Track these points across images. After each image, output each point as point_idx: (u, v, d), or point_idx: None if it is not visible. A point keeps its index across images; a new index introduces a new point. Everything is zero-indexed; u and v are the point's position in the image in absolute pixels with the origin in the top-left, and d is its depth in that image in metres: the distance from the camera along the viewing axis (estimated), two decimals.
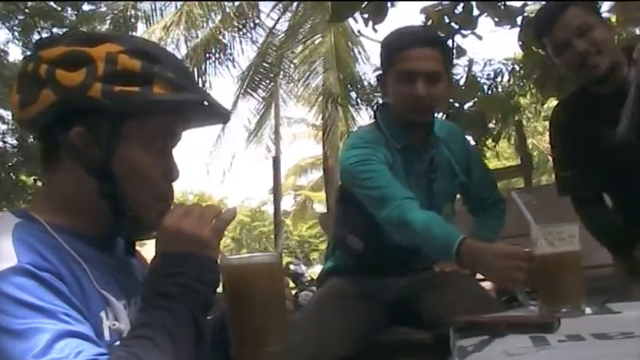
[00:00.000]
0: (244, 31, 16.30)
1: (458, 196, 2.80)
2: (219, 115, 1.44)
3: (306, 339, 2.26)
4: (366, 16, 4.94)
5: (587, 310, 1.75)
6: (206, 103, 1.36)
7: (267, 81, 16.86)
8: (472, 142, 5.84)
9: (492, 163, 10.74)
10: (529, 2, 5.47)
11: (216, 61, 16.23)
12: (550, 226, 1.73)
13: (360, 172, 2.40)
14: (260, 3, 16.40)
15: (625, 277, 2.53)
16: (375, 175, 2.37)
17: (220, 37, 16.17)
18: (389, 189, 2.33)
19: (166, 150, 1.39)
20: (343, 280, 2.59)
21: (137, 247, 1.48)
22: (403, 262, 2.54)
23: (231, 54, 16.27)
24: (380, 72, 2.62)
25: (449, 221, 2.40)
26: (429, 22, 5.37)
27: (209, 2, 15.67)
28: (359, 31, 6.11)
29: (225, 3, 15.79)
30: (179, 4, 16.07)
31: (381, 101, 2.91)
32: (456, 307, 2.15)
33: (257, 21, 16.45)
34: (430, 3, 5.58)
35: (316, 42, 15.36)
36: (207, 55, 16.10)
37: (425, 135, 2.53)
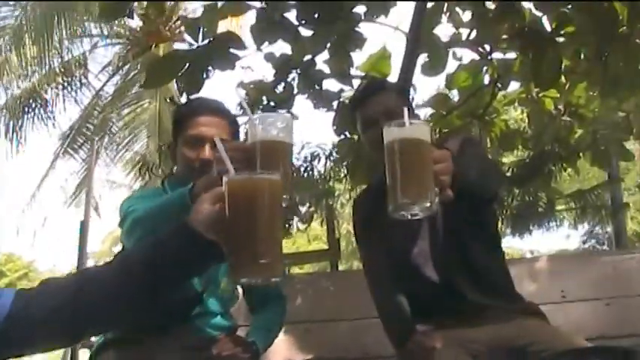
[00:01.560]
0: (69, 89, 15.67)
1: None
2: None
3: None
4: (182, 85, 4.86)
5: None
6: None
7: (90, 143, 16.23)
8: None
9: (304, 246, 10.79)
10: (346, 88, 5.60)
11: (35, 117, 15.43)
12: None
13: (126, 211, 2.33)
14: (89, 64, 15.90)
15: None
16: (139, 207, 2.29)
17: (42, 92, 15.43)
18: (142, 209, 2.24)
19: None
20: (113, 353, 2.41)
21: None
22: (170, 325, 2.38)
23: (52, 111, 15.55)
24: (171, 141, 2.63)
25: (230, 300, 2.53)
26: (247, 98, 5.38)
27: (31, 57, 14.92)
28: (171, 98, 6.01)
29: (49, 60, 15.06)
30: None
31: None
32: None
33: (84, 81, 15.90)
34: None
35: (141, 108, 15.06)
36: (26, 109, 15.28)
37: None
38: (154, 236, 1.79)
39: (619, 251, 7.04)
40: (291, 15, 4.84)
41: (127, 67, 15.28)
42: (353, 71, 5.50)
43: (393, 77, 5.55)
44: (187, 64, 4.44)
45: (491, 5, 4.77)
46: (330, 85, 5.69)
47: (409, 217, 1.65)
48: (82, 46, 15.31)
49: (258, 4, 4.64)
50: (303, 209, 6.63)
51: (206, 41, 4.48)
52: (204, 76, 4.63)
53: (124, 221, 2.33)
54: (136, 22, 14.93)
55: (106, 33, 15.14)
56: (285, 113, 1.79)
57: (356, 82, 5.48)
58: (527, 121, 6.87)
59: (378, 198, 2.53)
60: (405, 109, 1.74)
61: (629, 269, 4.20)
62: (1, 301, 1.46)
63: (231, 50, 4.51)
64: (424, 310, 2.50)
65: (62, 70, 15.34)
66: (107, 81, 16.08)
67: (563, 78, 5.62)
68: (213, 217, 1.47)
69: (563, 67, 5.07)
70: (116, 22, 14.89)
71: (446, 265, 2.50)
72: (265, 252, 1.40)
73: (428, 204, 1.60)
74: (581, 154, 6.67)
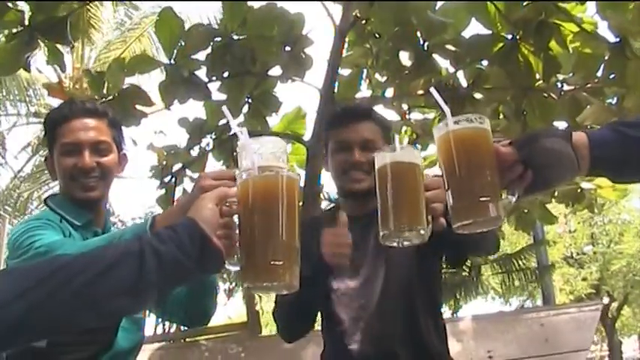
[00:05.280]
0: None
1: None
2: None
3: None
4: None
5: None
6: None
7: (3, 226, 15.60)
8: None
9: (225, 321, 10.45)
10: None
11: None
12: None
13: (25, 239, 2.00)
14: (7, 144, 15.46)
15: None
16: (42, 237, 2.00)
17: None
18: (57, 242, 1.97)
19: None
20: None
21: None
22: None
23: None
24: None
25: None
26: (156, 161, 5.16)
27: None
28: None
29: None
30: None
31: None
32: None
33: (1, 161, 15.41)
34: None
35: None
36: None
37: (100, 211, 2.26)
38: (134, 231, 1.57)
39: (546, 308, 6.92)
40: (201, 73, 4.68)
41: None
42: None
43: (306, 136, 5.45)
44: None
45: (407, 62, 4.69)
46: None
47: (401, 244, 1.53)
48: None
49: (165, 61, 4.45)
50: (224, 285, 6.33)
51: (110, 97, 4.26)
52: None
53: (24, 254, 1.99)
54: (57, 101, 14.63)
55: (24, 112, 14.78)
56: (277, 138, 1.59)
57: None
58: None
59: (322, 223, 2.31)
60: (397, 136, 1.61)
61: (557, 326, 4.05)
62: None
63: (137, 106, 4.29)
64: None
65: None
66: (27, 162, 15.62)
67: None
68: (219, 219, 1.31)
69: None
70: (36, 100, 14.62)
71: (389, 328, 2.24)
72: (284, 256, 1.31)
73: (422, 231, 1.50)
74: (504, 218, 6.58)
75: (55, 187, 15.16)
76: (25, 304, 1.13)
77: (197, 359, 3.79)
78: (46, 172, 14.87)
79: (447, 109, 1.49)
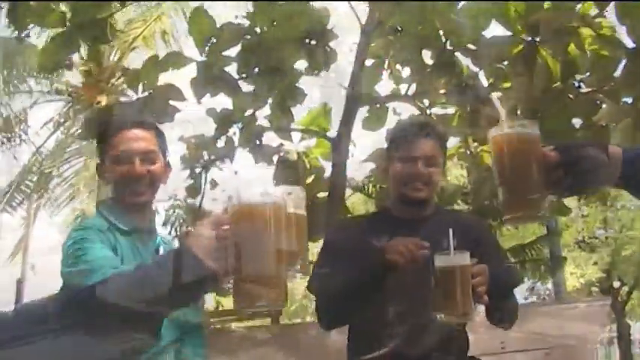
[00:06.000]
0: (8, 145, 15.30)
1: None
2: None
3: None
4: None
5: None
6: None
7: (29, 200, 15.86)
8: None
9: None
10: (285, 142, 5.61)
11: None
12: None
13: (75, 251, 2.23)
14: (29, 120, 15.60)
15: None
16: (88, 251, 2.21)
17: None
18: (99, 261, 2.17)
19: None
20: None
21: None
22: None
23: None
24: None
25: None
26: (186, 151, 5.34)
27: None
28: None
29: None
30: None
31: None
32: None
33: (24, 137, 15.55)
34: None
35: (82, 164, 14.77)
36: None
37: (146, 215, 2.46)
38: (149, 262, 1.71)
39: (558, 302, 7.09)
40: (232, 69, 4.86)
41: (67, 123, 15.00)
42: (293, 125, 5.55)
43: (332, 133, 5.61)
44: None
45: (429, 60, 4.85)
46: (270, 139, 5.74)
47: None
48: (22, 101, 15.06)
49: (199, 58, 4.64)
50: None
51: (146, 93, 4.45)
52: None
53: (73, 264, 2.22)
54: (77, 79, 14.80)
55: (47, 89, 14.93)
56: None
57: (296, 136, 5.52)
58: (466, 176, 6.94)
59: (366, 223, 2.66)
60: (451, 235, 2.03)
61: (568, 319, 4.22)
62: None
63: (171, 102, 4.48)
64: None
65: (1, 125, 15.03)
66: (48, 138, 15.76)
67: None
68: (214, 243, 1.39)
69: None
70: (56, 78, 14.77)
71: (423, 328, 2.37)
72: (269, 280, 1.37)
73: (471, 315, 2.08)
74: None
75: (76, 164, 15.42)
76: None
77: (226, 344, 4.00)
78: (67, 149, 15.13)
79: (504, 113, 1.72)
